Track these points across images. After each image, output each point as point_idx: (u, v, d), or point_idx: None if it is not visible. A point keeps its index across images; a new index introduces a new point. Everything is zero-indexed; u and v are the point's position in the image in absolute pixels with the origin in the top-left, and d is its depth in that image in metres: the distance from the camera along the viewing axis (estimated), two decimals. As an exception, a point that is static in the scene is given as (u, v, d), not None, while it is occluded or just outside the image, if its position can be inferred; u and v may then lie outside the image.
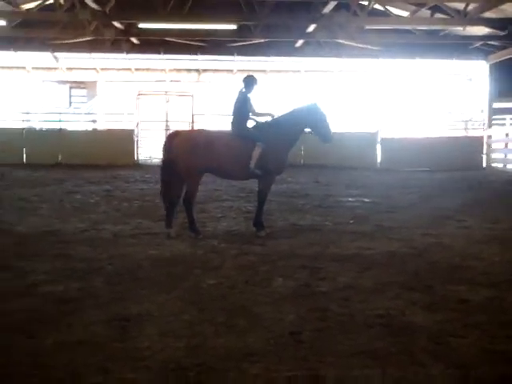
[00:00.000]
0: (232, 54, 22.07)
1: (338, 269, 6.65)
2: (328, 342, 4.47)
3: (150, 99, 22.39)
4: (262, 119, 9.21)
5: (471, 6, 16.08)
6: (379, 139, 20.45)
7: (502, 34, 18.68)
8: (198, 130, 9.95)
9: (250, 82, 9.03)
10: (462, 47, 21.48)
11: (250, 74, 9.62)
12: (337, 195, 13.09)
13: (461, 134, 22.88)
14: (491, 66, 21.86)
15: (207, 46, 21.28)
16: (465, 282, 6.13)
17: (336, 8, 16.78)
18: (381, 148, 20.35)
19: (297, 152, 19.85)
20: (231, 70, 23.16)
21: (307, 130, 9.16)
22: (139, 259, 7.04)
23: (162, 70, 23.03)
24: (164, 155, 9.03)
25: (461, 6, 16.24)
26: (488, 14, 16.88)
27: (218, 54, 22.25)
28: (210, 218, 10.06)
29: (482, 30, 19.27)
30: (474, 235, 8.69)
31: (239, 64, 23.02)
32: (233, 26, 17.78)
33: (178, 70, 23.38)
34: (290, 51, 21.90)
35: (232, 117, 9.01)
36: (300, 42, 20.94)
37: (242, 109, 8.89)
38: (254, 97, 9.04)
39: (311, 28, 18.35)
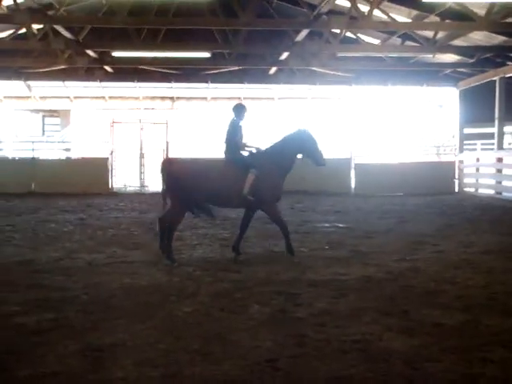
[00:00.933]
0: (206, 82, 22.20)
1: (314, 294, 6.65)
2: (304, 369, 4.46)
3: (124, 127, 22.35)
4: (250, 149, 9.28)
5: (440, 34, 16.38)
6: (353, 165, 20.60)
7: (470, 61, 19.06)
8: (193, 158, 10.00)
9: (239, 110, 9.17)
10: (433, 74, 21.86)
11: (239, 102, 10.00)
12: (312, 221, 13.13)
13: (433, 159, 23.17)
14: (461, 93, 22.22)
15: (181, 73, 21.37)
16: (440, 306, 6.16)
17: (309, 36, 16.99)
18: (355, 174, 20.50)
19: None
20: (205, 98, 23.29)
21: (299, 156, 9.28)
22: (114, 288, 6.96)
23: (136, 97, 23.06)
24: (164, 181, 8.99)
25: (430, 34, 16.52)
26: (457, 42, 17.19)
27: (192, 81, 22.38)
28: (186, 246, 10.01)
29: (451, 58, 19.63)
30: (448, 260, 8.75)
31: (213, 91, 23.15)
32: (207, 54, 17.89)
33: (152, 98, 23.44)
34: (264, 78, 22.14)
35: (225, 144, 9.09)
36: (274, 70, 21.15)
37: (234, 137, 9.00)
38: (244, 124, 9.20)
39: (284, 56, 18.54)
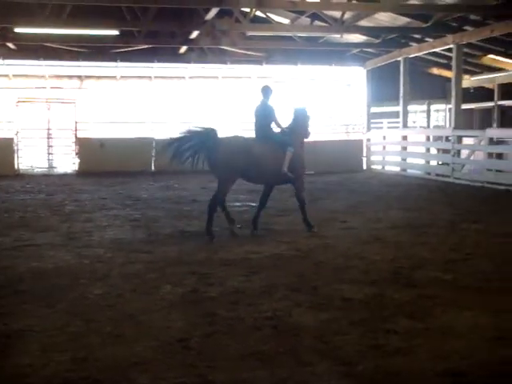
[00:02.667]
0: (115, 61, 21.72)
1: (226, 273, 6.69)
2: (217, 347, 4.49)
3: (31, 107, 21.58)
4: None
5: (347, 15, 16.67)
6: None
7: (376, 41, 19.53)
8: (235, 135, 10.14)
9: (267, 91, 9.76)
10: (341, 54, 22.27)
11: (266, 84, 10.38)
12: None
13: (342, 137, 23.62)
14: (368, 72, 22.74)
15: (89, 52, 20.82)
16: (348, 281, 6.33)
17: (219, 15, 16.90)
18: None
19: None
20: (114, 77, 22.76)
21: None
22: (21, 272, 6.78)
23: (42, 76, 22.22)
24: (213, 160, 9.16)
25: (338, 14, 16.80)
26: (363, 23, 17.55)
27: (101, 60, 21.84)
28: (96, 228, 9.84)
29: (358, 38, 20.03)
30: (356, 236, 8.99)
31: (123, 70, 22.68)
32: (115, 32, 17.49)
33: (59, 77, 22.62)
34: (175, 58, 21.89)
35: (257, 124, 9.56)
36: (184, 49, 20.94)
37: (269, 117, 9.48)
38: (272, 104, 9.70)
39: (194, 34, 18.38)
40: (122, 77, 22.68)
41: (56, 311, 5.34)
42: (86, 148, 19.96)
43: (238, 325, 4.97)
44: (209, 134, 9.19)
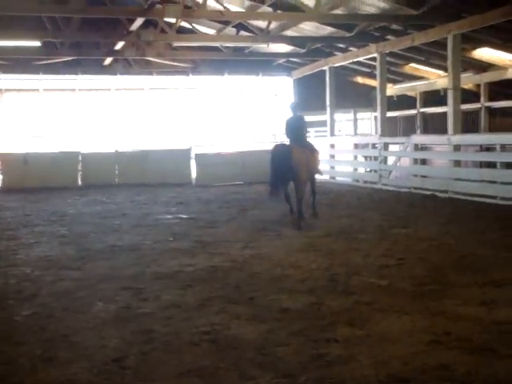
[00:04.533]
0: (38, 73, 21.15)
1: (160, 287, 6.53)
2: (154, 365, 4.34)
3: None
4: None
5: (273, 25, 16.78)
6: (193, 155, 20.57)
7: (302, 51, 19.76)
8: (289, 145, 11.53)
9: (296, 106, 12.21)
10: (268, 64, 22.45)
11: (292, 101, 13.76)
12: (154, 213, 12.95)
13: (270, 146, 23.64)
14: (295, 82, 22.97)
15: (10, 64, 20.19)
16: (285, 291, 6.27)
17: (144, 25, 16.71)
18: (195, 164, 20.48)
19: (111, 172, 19.55)
20: (37, 89, 22.13)
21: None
22: None
23: (-40, 89, 21.47)
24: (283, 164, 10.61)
25: (263, 24, 16.89)
26: (289, 33, 17.71)
27: (23, 72, 21.22)
28: (22, 245, 9.47)
29: (284, 48, 20.23)
30: (290, 245, 8.97)
31: (46, 83, 22.09)
32: (37, 43, 17.02)
33: (-23, 91, 21.93)
34: (99, 69, 21.56)
35: (294, 133, 11.45)
36: (109, 60, 20.63)
37: (303, 127, 11.74)
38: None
39: (119, 45, 18.11)
40: (44, 89, 22.07)
41: (-19, 336, 5.07)
42: (9, 164, 19.30)
43: (175, 341, 4.83)
44: (285, 152, 10.83)
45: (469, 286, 6.22)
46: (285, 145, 11.64)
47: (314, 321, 5.26)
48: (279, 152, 10.93)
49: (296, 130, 11.52)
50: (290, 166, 10.60)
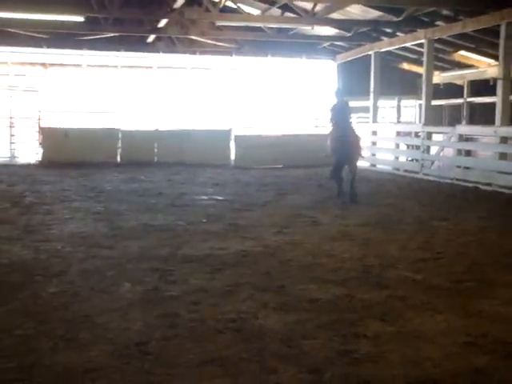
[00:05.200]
0: (81, 48, 21.19)
1: (189, 271, 6.42)
2: (176, 352, 4.22)
3: (-8, 94, 20.97)
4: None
5: (319, 7, 16.45)
6: (233, 137, 20.44)
7: (347, 35, 19.37)
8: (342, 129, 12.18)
9: (340, 92, 12.93)
10: (312, 47, 22.09)
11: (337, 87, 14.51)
12: (191, 193, 12.87)
13: (312, 131, 23.41)
14: (339, 66, 22.59)
15: (54, 38, 20.25)
16: (316, 280, 6.10)
17: (188, 3, 16.57)
18: (234, 145, 20.36)
19: (150, 150, 19.57)
20: (80, 65, 22.17)
21: None
22: (-28, 268, 6.43)
23: (4, 62, 21.55)
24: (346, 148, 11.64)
25: (309, 6, 16.57)
26: (335, 16, 17.38)
27: (66, 47, 21.27)
28: (57, 220, 9.47)
29: (329, 31, 19.86)
30: (325, 232, 8.77)
31: (89, 59, 22.12)
32: (80, 18, 16.99)
33: (22, 64, 21.97)
34: (142, 47, 21.50)
35: (341, 117, 12.06)
36: (152, 38, 20.55)
37: (349, 112, 12.41)
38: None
39: (163, 23, 18.00)
40: (87, 65, 22.12)
41: (5, 311, 5.01)
42: (50, 138, 19.41)
43: (199, 327, 4.71)
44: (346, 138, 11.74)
45: (509, 286, 5.96)
46: (345, 135, 11.88)
47: (344, 314, 5.08)
48: (342, 141, 11.69)
49: (342, 115, 12.15)
50: (349, 152, 11.72)
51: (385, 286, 5.90)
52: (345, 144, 11.61)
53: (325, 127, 15.77)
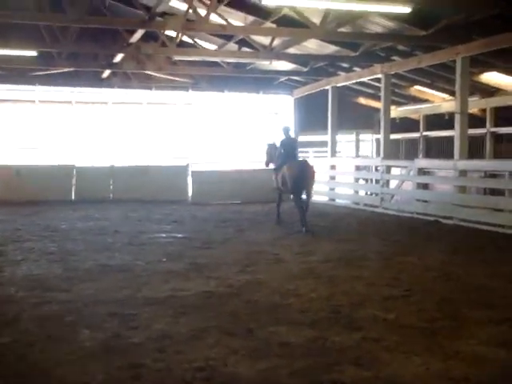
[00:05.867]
0: (34, 84, 20.76)
1: (151, 315, 6.09)
2: (142, 408, 3.90)
3: None
4: None
5: (276, 41, 16.47)
6: (190, 172, 20.19)
7: (304, 69, 19.44)
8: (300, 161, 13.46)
9: (288, 129, 13.85)
10: (269, 82, 22.14)
11: (285, 124, 15.38)
12: (148, 231, 12.53)
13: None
14: (296, 101, 22.64)
15: (5, 73, 19.80)
16: (284, 322, 5.84)
17: (144, 39, 16.40)
18: (192, 181, 20.09)
19: (105, 186, 19.18)
20: (33, 101, 21.70)
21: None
22: None
23: (-46, 98, 20.98)
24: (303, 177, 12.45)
25: (266, 41, 16.58)
26: (292, 50, 17.40)
27: (18, 83, 20.82)
28: (8, 262, 9.03)
29: (286, 66, 19.91)
30: (289, 270, 8.54)
31: (42, 94, 21.67)
32: (33, 53, 16.60)
33: (-27, 100, 21.44)
34: (97, 82, 21.19)
35: (289, 152, 13.26)
36: (107, 73, 20.27)
37: (296, 147, 13.66)
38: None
39: (118, 58, 17.76)
40: (40, 101, 21.65)
41: (-47, 366, 4.62)
42: (1, 176, 18.84)
43: (166, 378, 4.40)
44: (304, 167, 12.67)
45: (484, 324, 5.79)
46: (303, 161, 13.19)
47: (318, 358, 4.83)
48: (299, 167, 12.62)
49: (291, 150, 13.31)
50: (307, 179, 12.51)
51: (356, 328, 5.67)
52: (303, 171, 12.46)
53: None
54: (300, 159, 13.55)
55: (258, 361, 4.76)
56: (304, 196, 12.81)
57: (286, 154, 13.24)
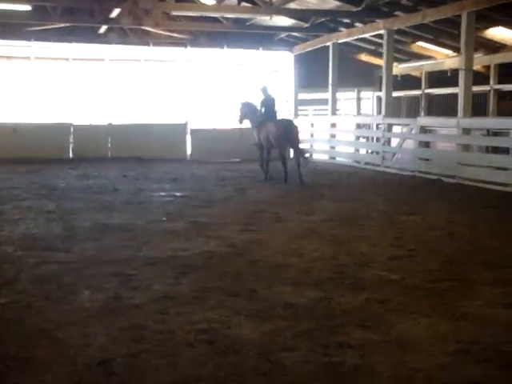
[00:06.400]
0: (29, 40, 20.34)
1: (152, 275, 5.99)
2: (144, 370, 3.80)
3: None
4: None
5: (277, -4, 16.11)
6: (189, 130, 19.97)
7: (305, 25, 19.05)
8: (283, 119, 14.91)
9: (267, 88, 14.40)
10: (269, 38, 21.71)
11: (264, 83, 15.31)
12: (147, 190, 12.43)
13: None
14: (296, 57, 22.27)
15: (0, 29, 19.41)
16: (288, 282, 5.74)
17: (141, -7, 16.01)
18: (191, 139, 19.89)
19: (103, 145, 19.00)
20: (29, 57, 21.30)
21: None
22: None
23: None
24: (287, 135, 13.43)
25: (266, -4, 16.21)
26: (292, 5, 17.02)
27: (13, 38, 20.40)
28: (6, 221, 8.91)
29: (287, 22, 19.51)
30: (291, 229, 8.45)
31: (38, 51, 21.25)
32: (27, 7, 16.18)
33: (-32, 56, 21.00)
34: (94, 38, 20.75)
35: (269, 110, 14.16)
36: (104, 29, 19.87)
37: (274, 105, 14.37)
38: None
39: (115, 13, 17.37)
40: (36, 57, 21.26)
41: (-51, 328, 4.51)
42: (-3, 133, 18.62)
43: (168, 341, 4.28)
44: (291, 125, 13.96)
45: (490, 284, 5.68)
46: (288, 120, 14.62)
47: (323, 320, 4.72)
48: (286, 124, 13.65)
49: (271, 109, 14.21)
50: (292, 137, 13.49)
51: (361, 288, 5.57)
52: (288, 129, 13.42)
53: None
54: (285, 118, 15.01)
55: (261, 323, 4.66)
56: (292, 154, 14.41)
57: (267, 112, 14.08)
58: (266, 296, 5.33)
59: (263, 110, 14.16)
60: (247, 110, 14.60)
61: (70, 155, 19.10)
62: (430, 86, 20.74)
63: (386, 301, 5.18)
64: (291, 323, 4.64)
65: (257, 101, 14.56)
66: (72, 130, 19.19)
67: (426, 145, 15.87)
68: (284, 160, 13.62)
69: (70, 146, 19.22)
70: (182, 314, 4.85)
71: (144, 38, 21.07)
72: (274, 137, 13.40)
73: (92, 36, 20.57)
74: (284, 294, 5.37)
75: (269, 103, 14.19)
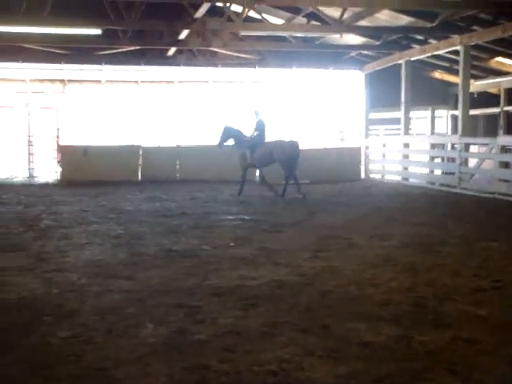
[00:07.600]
0: (100, 63, 20.65)
1: (218, 307, 5.64)
2: (208, 421, 3.44)
3: (10, 112, 20.46)
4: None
5: (347, 14, 15.70)
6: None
7: (376, 43, 18.59)
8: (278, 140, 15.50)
9: (258, 112, 15.26)
10: (338, 56, 21.35)
11: (257, 107, 16.26)
12: (215, 213, 12.16)
13: (338, 144, 22.65)
14: (366, 76, 21.79)
15: (72, 54, 19.75)
16: (364, 317, 5.29)
17: (209, 15, 15.93)
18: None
19: (172, 167, 19.01)
20: (99, 81, 21.61)
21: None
22: (-25, 306, 5.71)
23: (22, 80, 21.02)
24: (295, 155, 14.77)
25: (336, 13, 15.83)
26: (363, 23, 16.62)
27: (85, 62, 20.78)
28: (72, 246, 8.78)
29: (357, 40, 19.10)
30: (364, 256, 7.97)
31: (108, 74, 21.54)
32: (97, 31, 16.35)
33: (41, 81, 21.44)
34: (163, 60, 20.91)
35: (262, 134, 15.12)
36: (173, 51, 19.95)
37: (265, 129, 15.24)
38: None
39: (184, 35, 17.36)
40: (107, 81, 21.54)
41: (7, 363, 4.26)
42: (69, 156, 18.89)
43: (234, 383, 3.92)
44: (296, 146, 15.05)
45: None
46: (293, 141, 15.34)
47: (405, 363, 4.26)
48: (292, 145, 14.87)
49: (264, 131, 15.13)
50: (298, 157, 14.73)
51: (445, 325, 5.07)
52: (296, 150, 14.79)
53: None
54: (291, 139, 15.50)
55: (336, 364, 4.24)
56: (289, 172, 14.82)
57: (259, 135, 15.04)
58: (340, 333, 4.90)
59: (256, 133, 15.08)
60: (231, 134, 15.33)
61: (139, 177, 19.13)
62: (510, 104, 19.86)
63: (474, 341, 4.68)
64: (369, 366, 4.20)
65: (250, 124, 15.54)
66: (141, 152, 19.27)
67: (506, 165, 15.10)
68: (289, 177, 14.79)
69: (139, 168, 19.27)
70: (250, 352, 4.48)
71: (212, 60, 21.05)
72: (287, 155, 14.56)
73: (161, 58, 20.74)
74: (359, 331, 4.93)
75: (261, 126, 15.03)
